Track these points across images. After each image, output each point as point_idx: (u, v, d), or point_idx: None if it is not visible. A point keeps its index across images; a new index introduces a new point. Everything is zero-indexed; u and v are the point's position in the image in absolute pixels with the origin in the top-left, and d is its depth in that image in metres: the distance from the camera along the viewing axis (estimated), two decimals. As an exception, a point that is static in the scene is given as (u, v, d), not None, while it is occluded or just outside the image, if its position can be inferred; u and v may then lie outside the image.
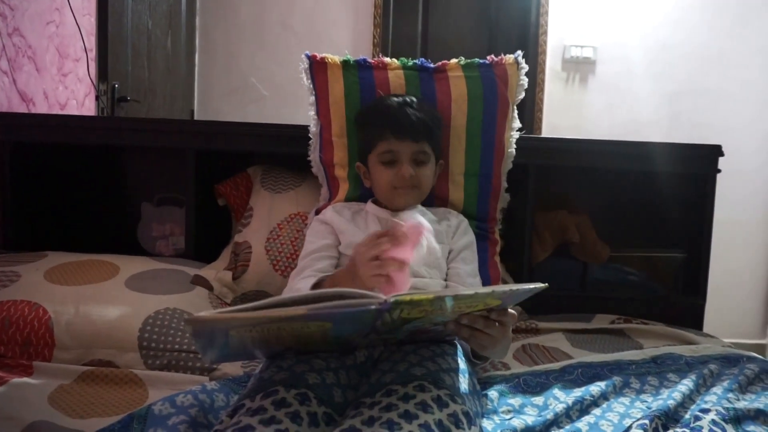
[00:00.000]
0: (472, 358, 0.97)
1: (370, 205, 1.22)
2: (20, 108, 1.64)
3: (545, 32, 2.77)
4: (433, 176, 1.22)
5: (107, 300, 1.16)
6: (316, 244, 1.15)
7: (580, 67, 2.81)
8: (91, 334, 1.08)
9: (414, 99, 1.20)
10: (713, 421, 0.84)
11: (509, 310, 0.83)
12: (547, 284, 0.75)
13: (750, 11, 2.76)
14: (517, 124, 1.37)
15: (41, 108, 1.74)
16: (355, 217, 1.21)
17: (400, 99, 1.19)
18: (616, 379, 1.02)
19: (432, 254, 1.13)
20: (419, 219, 0.92)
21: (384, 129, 1.15)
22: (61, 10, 1.80)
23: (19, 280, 1.20)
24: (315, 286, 1.02)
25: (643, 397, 0.99)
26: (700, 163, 1.51)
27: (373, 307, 0.64)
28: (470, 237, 1.23)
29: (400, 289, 0.83)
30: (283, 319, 0.65)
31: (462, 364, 0.89)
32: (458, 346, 0.94)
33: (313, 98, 1.35)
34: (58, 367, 1.04)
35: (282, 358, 0.83)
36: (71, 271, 1.25)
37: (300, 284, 1.06)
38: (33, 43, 1.67)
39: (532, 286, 0.75)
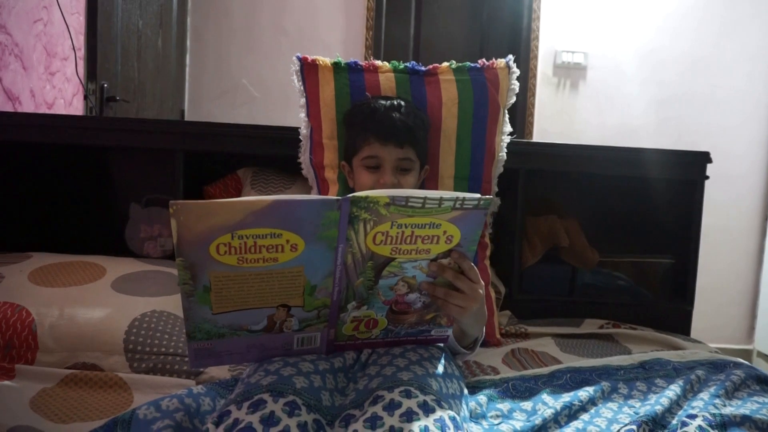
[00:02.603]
0: (458, 348, 0.97)
1: None
2: (6, 107, 1.62)
3: (537, 37, 2.79)
4: (416, 183, 1.22)
5: (93, 302, 1.14)
6: None
7: (571, 73, 2.83)
8: (76, 336, 1.07)
9: (402, 102, 1.19)
10: (700, 427, 0.85)
11: (470, 262, 0.87)
12: (493, 197, 0.80)
13: (737, 19, 2.79)
14: (508, 128, 1.37)
15: (28, 107, 1.72)
16: None
17: (387, 102, 1.18)
18: (605, 384, 1.02)
19: None
20: None
21: (368, 133, 1.15)
22: (49, 8, 1.78)
23: (2, 281, 1.18)
24: None
25: (631, 402, 0.99)
26: (688, 170, 1.52)
27: (333, 198, 0.71)
28: None
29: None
30: (257, 211, 0.69)
31: (449, 368, 0.88)
32: (445, 351, 0.94)
33: (303, 100, 1.34)
34: (40, 370, 1.02)
35: (269, 362, 0.82)
36: (56, 273, 1.23)
37: None
38: (20, 41, 1.65)
39: (478, 196, 0.79)
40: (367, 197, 0.73)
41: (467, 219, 0.81)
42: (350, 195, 0.72)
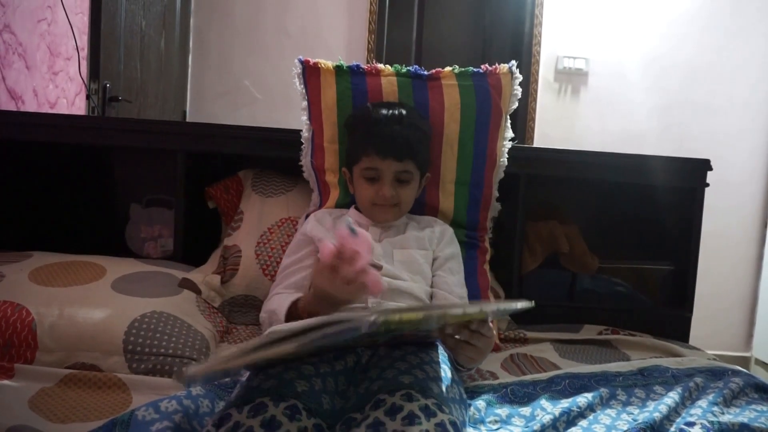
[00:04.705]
0: (457, 366, 0.97)
1: (352, 212, 1.24)
2: (9, 106, 1.62)
3: (539, 43, 2.79)
4: (416, 192, 1.23)
5: (92, 302, 1.14)
6: (292, 258, 1.18)
7: (572, 78, 2.83)
8: (75, 336, 1.06)
9: (403, 112, 1.18)
10: (698, 435, 0.85)
11: (489, 323, 0.85)
12: (533, 303, 0.76)
13: (741, 28, 2.80)
14: (510, 133, 1.37)
15: (30, 106, 1.72)
16: (336, 222, 1.22)
17: (389, 113, 1.17)
18: (603, 391, 1.02)
19: (414, 262, 1.14)
20: (359, 232, 0.91)
21: (368, 145, 1.15)
22: (53, 8, 1.79)
23: (2, 280, 1.18)
24: (290, 310, 1.04)
25: (629, 409, 0.99)
26: (689, 177, 1.52)
27: (364, 330, 0.63)
28: (455, 247, 1.24)
29: (377, 289, 0.90)
30: (273, 357, 0.64)
31: (450, 372, 0.88)
32: (446, 354, 0.94)
33: (305, 103, 1.35)
34: (40, 369, 1.01)
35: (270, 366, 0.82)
36: (56, 272, 1.23)
37: (274, 305, 1.07)
38: (24, 41, 1.66)
39: (519, 305, 0.75)
40: (400, 320, 0.65)
41: (499, 312, 0.79)
42: (383, 317, 0.64)
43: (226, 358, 0.62)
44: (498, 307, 0.74)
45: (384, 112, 1.18)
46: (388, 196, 1.15)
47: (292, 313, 1.03)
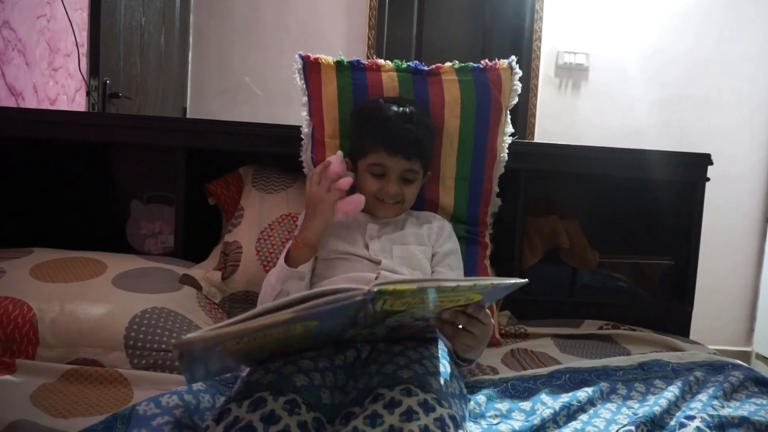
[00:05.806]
0: (456, 360, 0.97)
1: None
2: (9, 102, 1.62)
3: (539, 38, 2.79)
4: (418, 190, 1.23)
5: (93, 298, 1.14)
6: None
7: (572, 73, 2.83)
8: (77, 332, 1.07)
9: (413, 110, 1.19)
10: (698, 429, 0.85)
11: (486, 309, 0.86)
12: (527, 280, 0.77)
13: (740, 21, 2.79)
14: (510, 129, 1.37)
15: (30, 102, 1.72)
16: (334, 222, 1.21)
17: (400, 110, 1.18)
18: (603, 385, 1.02)
19: (413, 258, 1.14)
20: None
21: (378, 142, 1.16)
22: (52, 4, 1.79)
23: (3, 276, 1.18)
24: (287, 253, 1.09)
25: (629, 403, 0.99)
26: (689, 171, 1.52)
27: (358, 298, 0.65)
28: (454, 243, 1.24)
29: (355, 204, 1.14)
30: (270, 325, 0.64)
31: (449, 367, 0.89)
32: (445, 349, 0.94)
33: (305, 99, 1.35)
34: (41, 365, 1.02)
35: (269, 360, 0.82)
36: (57, 268, 1.23)
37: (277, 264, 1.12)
38: (23, 37, 1.66)
39: (512, 281, 0.76)
40: (394, 290, 0.67)
41: (495, 290, 0.79)
42: (376, 288, 0.65)
43: (223, 324, 0.63)
44: (492, 282, 0.74)
45: (395, 108, 1.18)
46: (392, 193, 1.16)
47: (290, 252, 1.10)
